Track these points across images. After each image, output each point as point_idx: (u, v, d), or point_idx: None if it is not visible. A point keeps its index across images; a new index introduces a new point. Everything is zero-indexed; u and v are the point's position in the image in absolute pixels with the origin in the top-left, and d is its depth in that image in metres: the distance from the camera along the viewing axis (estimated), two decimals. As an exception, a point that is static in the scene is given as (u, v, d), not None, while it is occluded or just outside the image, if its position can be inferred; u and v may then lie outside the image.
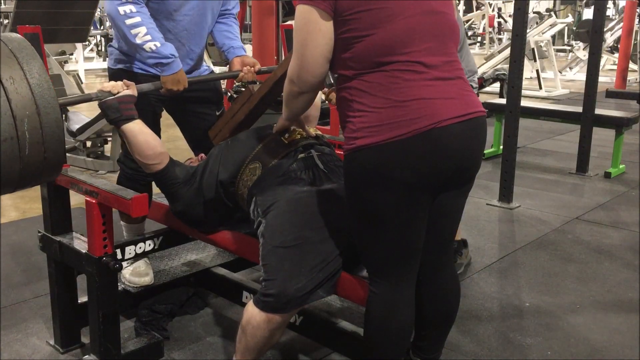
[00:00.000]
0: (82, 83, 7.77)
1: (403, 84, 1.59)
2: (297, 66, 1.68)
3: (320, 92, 2.48)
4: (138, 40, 2.23)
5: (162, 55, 2.26)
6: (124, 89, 2.11)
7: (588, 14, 15.28)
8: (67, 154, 4.68)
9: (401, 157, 1.58)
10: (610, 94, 6.15)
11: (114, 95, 2.09)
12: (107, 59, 2.67)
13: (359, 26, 1.60)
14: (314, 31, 1.62)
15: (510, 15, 13.52)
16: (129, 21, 2.23)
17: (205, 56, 3.71)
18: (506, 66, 6.47)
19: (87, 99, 2.10)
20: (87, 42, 11.28)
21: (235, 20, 2.74)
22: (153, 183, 2.36)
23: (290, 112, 1.91)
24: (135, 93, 2.14)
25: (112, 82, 2.11)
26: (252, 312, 1.81)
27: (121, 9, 2.23)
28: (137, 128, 2.10)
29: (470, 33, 18.40)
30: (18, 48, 1.56)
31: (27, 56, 1.55)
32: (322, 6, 1.60)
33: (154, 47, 2.24)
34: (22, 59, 1.54)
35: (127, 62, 2.50)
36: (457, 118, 1.60)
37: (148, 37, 2.23)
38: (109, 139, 4.97)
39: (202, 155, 2.37)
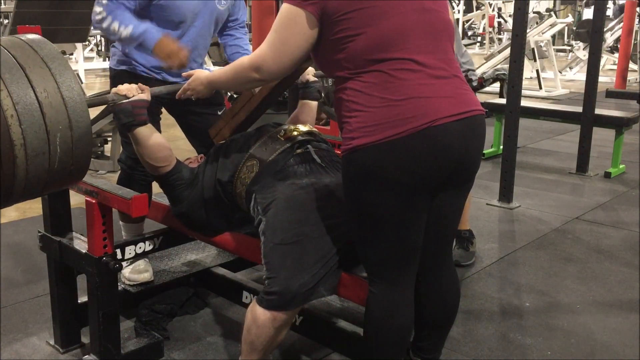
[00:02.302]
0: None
1: (398, 82, 1.58)
2: (271, 58, 1.69)
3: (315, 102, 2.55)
4: (117, 34, 2.30)
5: (137, 34, 2.30)
6: (139, 92, 2.05)
7: (588, 14, 15.27)
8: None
9: (397, 156, 1.57)
10: (610, 94, 6.16)
11: (129, 98, 2.03)
12: (107, 59, 2.68)
13: (350, 26, 1.60)
14: (298, 33, 1.64)
15: (510, 15, 13.52)
16: (104, 24, 2.30)
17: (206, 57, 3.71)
18: (506, 66, 6.46)
19: (103, 101, 2.06)
20: (87, 42, 11.27)
21: (245, 29, 2.78)
22: (153, 183, 2.36)
23: (223, 88, 2.08)
24: (149, 97, 2.09)
25: (127, 85, 2.05)
26: (256, 312, 1.81)
27: (94, 17, 2.32)
28: (148, 132, 2.07)
29: (470, 33, 18.41)
30: (50, 56, 1.53)
31: (59, 66, 1.52)
32: (310, 9, 1.61)
33: (127, 34, 2.29)
34: (54, 70, 1.51)
35: (130, 64, 2.50)
36: (453, 117, 1.59)
37: (122, 27, 2.29)
38: (109, 139, 4.97)
39: (202, 155, 2.37)
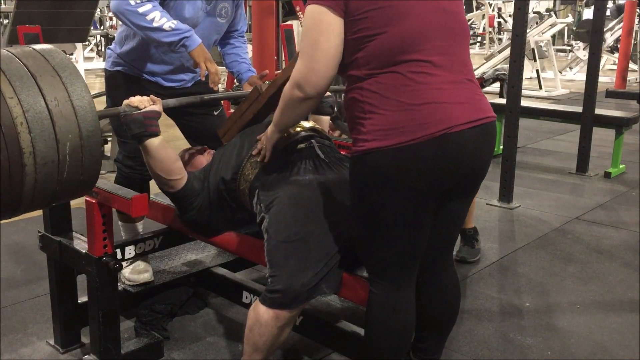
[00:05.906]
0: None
1: (415, 86, 1.56)
2: (306, 68, 1.61)
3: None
4: (156, 24, 2.24)
5: (184, 30, 2.26)
6: (150, 104, 2.04)
7: (588, 14, 15.26)
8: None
9: (410, 161, 1.56)
10: (610, 94, 6.14)
11: (140, 110, 2.02)
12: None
13: (370, 25, 1.57)
14: (326, 32, 1.58)
15: (510, 15, 13.51)
16: (142, 9, 2.23)
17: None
18: (506, 66, 6.46)
19: (114, 113, 2.05)
20: (87, 42, 11.27)
21: (244, 38, 2.77)
22: (150, 182, 2.35)
23: (285, 123, 1.86)
24: (161, 109, 2.08)
25: (139, 97, 2.04)
26: (259, 311, 1.81)
27: (131, 1, 2.24)
28: (159, 144, 2.05)
29: (470, 33, 18.42)
30: (61, 65, 1.52)
31: (70, 75, 1.52)
32: (334, 6, 1.58)
33: (173, 26, 2.25)
34: (65, 79, 1.50)
35: (124, 65, 2.50)
36: (469, 123, 1.59)
37: (164, 19, 2.25)
38: (109, 139, 4.97)
39: (206, 147, 2.37)
